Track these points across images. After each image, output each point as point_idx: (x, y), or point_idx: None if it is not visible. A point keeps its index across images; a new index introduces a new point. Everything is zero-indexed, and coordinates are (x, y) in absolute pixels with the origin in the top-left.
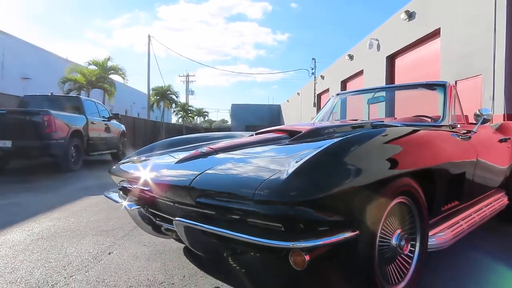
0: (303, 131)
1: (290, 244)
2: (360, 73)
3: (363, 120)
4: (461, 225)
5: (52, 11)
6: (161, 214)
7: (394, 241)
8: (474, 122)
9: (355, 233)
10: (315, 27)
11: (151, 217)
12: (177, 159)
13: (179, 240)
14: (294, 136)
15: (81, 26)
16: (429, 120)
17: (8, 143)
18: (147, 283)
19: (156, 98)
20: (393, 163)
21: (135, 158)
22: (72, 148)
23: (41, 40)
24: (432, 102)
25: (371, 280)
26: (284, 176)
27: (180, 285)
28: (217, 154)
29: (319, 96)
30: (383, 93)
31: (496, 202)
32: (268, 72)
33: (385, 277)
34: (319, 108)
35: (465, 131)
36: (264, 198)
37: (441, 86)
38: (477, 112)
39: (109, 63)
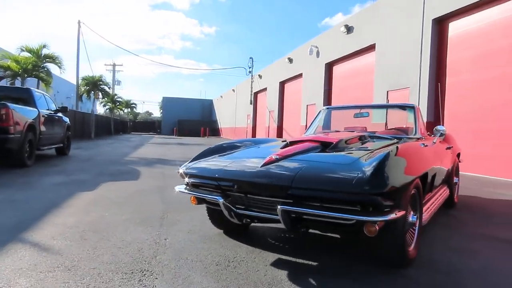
0: (334, 142)
1: (371, 219)
2: (299, 76)
3: (361, 132)
4: (431, 209)
5: None
6: (236, 205)
7: (411, 218)
8: (430, 134)
9: (403, 212)
10: (243, 21)
11: (230, 206)
12: (259, 164)
13: (236, 225)
14: (330, 146)
15: None
16: (402, 132)
17: None
18: (223, 258)
19: (86, 89)
20: (413, 169)
21: (202, 161)
22: (27, 142)
23: None
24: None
25: (403, 242)
26: (362, 178)
27: (248, 258)
28: (285, 159)
29: (255, 94)
30: (358, 110)
31: (444, 193)
32: (194, 63)
33: (406, 241)
34: (255, 106)
35: (428, 142)
36: (354, 190)
37: (411, 107)
38: (437, 128)
39: (45, 51)
